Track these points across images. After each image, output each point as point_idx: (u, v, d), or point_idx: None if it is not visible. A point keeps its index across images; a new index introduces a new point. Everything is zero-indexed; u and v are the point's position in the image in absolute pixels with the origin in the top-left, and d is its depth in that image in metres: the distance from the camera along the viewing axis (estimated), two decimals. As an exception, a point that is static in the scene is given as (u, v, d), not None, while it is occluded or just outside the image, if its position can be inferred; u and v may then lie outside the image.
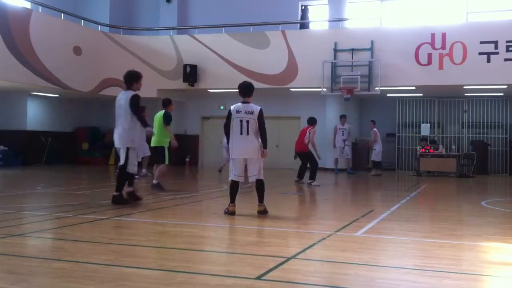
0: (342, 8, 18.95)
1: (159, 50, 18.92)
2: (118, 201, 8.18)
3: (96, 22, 18.86)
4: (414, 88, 17.28)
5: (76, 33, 17.57)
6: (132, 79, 8.36)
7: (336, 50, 17.13)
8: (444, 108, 19.80)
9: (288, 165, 18.36)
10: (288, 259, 4.70)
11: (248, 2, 20.37)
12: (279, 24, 18.21)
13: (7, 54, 14.73)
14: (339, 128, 17.48)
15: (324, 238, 5.73)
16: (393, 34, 16.92)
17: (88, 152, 20.73)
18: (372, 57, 16.69)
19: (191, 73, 18.13)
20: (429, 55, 16.18)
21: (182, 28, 20.28)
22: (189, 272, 4.25)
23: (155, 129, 10.75)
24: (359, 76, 16.53)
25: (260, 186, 7.43)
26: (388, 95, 18.56)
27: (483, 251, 5.35)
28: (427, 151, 17.44)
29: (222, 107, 19.81)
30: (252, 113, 7.30)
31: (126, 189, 8.39)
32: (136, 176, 12.88)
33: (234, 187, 7.46)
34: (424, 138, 18.34)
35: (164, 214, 7.77)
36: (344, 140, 17.29)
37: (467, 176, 16.76)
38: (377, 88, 16.47)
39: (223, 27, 18.46)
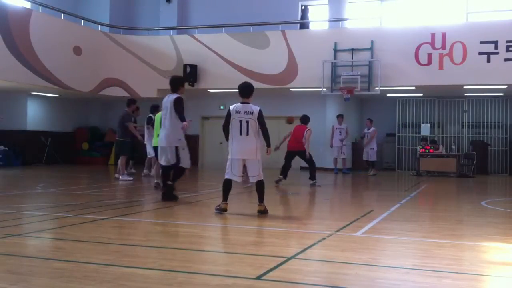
0: (342, 8, 18.94)
1: (159, 50, 18.92)
2: (169, 197, 8.72)
3: (96, 22, 18.86)
4: (414, 88, 17.29)
5: (76, 33, 17.57)
6: (178, 83, 9.10)
7: (336, 50, 17.13)
8: (444, 108, 19.81)
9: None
10: (288, 259, 4.70)
11: (248, 2, 20.37)
12: (279, 24, 18.21)
13: (7, 54, 14.73)
14: (336, 128, 17.46)
15: (324, 238, 5.73)
16: (393, 34, 16.92)
17: (88, 152, 20.74)
18: (372, 57, 16.69)
19: (191, 73, 18.12)
20: (429, 55, 16.19)
21: (182, 28, 20.29)
22: (189, 272, 4.24)
23: (156, 129, 10.89)
24: (359, 76, 16.53)
25: (260, 186, 7.45)
26: (388, 95, 18.57)
27: (483, 251, 5.35)
28: (427, 151, 17.44)
29: (222, 107, 19.82)
30: (251, 113, 7.32)
31: (167, 183, 8.80)
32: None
33: (228, 185, 7.50)
34: (424, 138, 18.34)
35: (164, 214, 7.78)
36: (342, 140, 17.26)
37: (467, 176, 16.76)
38: (377, 88, 16.47)
39: (223, 27, 18.47)
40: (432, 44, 16.20)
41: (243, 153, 7.34)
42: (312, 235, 6.12)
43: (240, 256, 4.95)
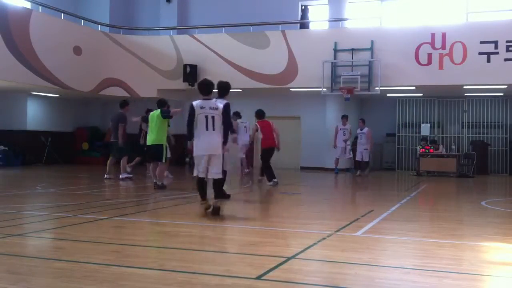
0: (342, 8, 18.95)
1: (159, 50, 18.91)
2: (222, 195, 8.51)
3: (96, 22, 18.85)
4: (414, 88, 17.28)
5: (76, 33, 17.56)
6: (226, 90, 8.62)
7: (336, 50, 17.13)
8: (444, 108, 19.81)
9: (288, 165, 18.40)
10: (288, 259, 4.70)
11: (248, 2, 20.37)
12: (279, 24, 18.21)
13: (7, 54, 14.73)
14: (340, 128, 17.35)
15: (324, 238, 5.73)
16: (393, 34, 16.92)
17: (88, 152, 20.74)
18: (372, 57, 16.68)
19: (191, 73, 18.12)
20: (429, 55, 16.18)
21: (182, 28, 20.28)
22: (189, 272, 4.24)
23: (151, 128, 10.87)
24: (359, 76, 16.52)
25: (217, 183, 7.47)
26: (388, 95, 18.56)
27: (483, 251, 5.35)
28: (427, 151, 17.44)
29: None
30: (216, 108, 7.36)
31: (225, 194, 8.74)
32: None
33: (201, 183, 7.52)
34: (424, 138, 18.33)
35: (164, 214, 7.78)
36: (345, 141, 17.22)
37: (467, 176, 16.76)
38: (377, 88, 16.46)
39: (223, 27, 18.46)
40: (432, 44, 16.20)
41: (207, 149, 7.34)
42: (312, 235, 6.11)
43: (240, 256, 4.96)
